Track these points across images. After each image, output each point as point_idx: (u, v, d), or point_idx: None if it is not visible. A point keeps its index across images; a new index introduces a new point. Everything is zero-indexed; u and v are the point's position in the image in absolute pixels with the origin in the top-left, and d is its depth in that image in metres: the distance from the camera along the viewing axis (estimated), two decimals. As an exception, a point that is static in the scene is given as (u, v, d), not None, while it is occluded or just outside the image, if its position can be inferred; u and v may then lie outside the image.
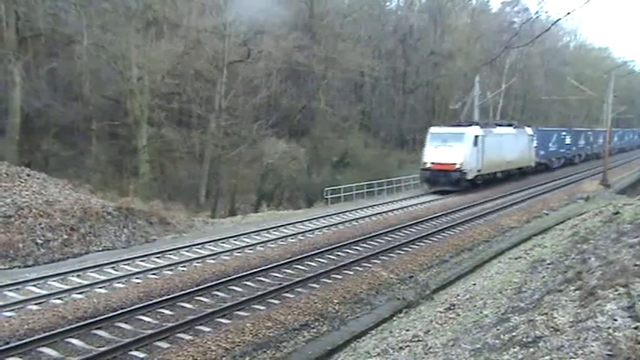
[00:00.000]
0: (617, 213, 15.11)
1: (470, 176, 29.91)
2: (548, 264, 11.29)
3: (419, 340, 8.93)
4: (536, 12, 54.92)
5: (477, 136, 30.18)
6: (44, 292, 12.31)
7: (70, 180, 23.19)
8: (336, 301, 12.54)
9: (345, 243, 17.56)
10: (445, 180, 29.69)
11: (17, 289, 12.53)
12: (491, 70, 54.91)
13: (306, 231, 19.84)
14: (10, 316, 10.78)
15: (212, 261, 15.50)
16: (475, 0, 65.57)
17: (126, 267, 14.69)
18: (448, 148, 29.60)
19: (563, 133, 48.34)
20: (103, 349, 9.47)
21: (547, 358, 5.50)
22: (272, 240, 18.20)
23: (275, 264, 14.91)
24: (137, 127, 30.40)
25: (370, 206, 25.69)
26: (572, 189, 32.23)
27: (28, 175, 20.19)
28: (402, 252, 17.06)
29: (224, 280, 13.35)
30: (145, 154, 30.50)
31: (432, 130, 31.61)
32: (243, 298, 12.14)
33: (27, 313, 10.99)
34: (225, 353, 9.65)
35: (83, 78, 30.39)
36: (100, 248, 17.63)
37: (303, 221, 21.53)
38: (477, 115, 39.08)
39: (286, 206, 33.37)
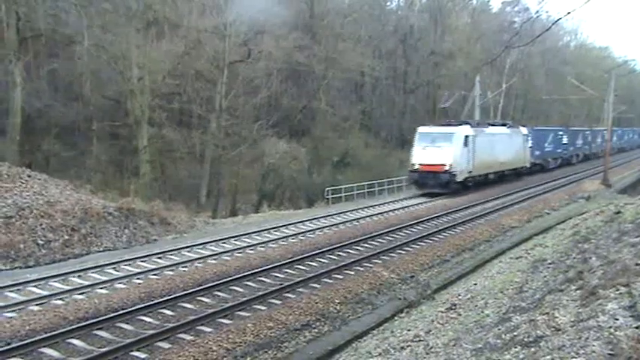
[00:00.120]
0: (618, 212, 15.10)
1: (460, 178, 28.94)
2: (550, 263, 11.28)
3: (420, 340, 8.93)
4: (537, 11, 54.90)
5: (467, 136, 29.26)
6: (45, 293, 12.31)
7: (71, 180, 23.22)
8: (337, 301, 12.55)
9: (346, 243, 17.56)
10: (434, 182, 28.69)
11: (18, 289, 12.54)
12: (492, 69, 54.91)
13: (307, 231, 19.84)
14: (11, 317, 10.78)
15: (213, 261, 15.50)
16: (475, 0, 65.63)
17: (127, 267, 14.69)
18: (437, 148, 28.59)
19: (560, 133, 47.47)
20: (104, 349, 9.47)
21: (548, 357, 5.50)
22: (273, 240, 18.20)
23: (276, 264, 14.91)
24: (138, 127, 30.40)
25: (371, 206, 25.69)
26: (571, 189, 32.11)
27: (29, 176, 20.20)
28: (403, 252, 17.06)
29: (225, 280, 13.35)
30: (145, 154, 30.50)
31: (421, 129, 30.52)
32: (245, 299, 12.14)
33: (28, 313, 11.00)
34: (227, 353, 9.65)
35: (84, 78, 30.41)
36: (101, 249, 17.64)
37: (304, 221, 21.53)
38: (478, 114, 39.04)
39: (287, 206, 33.37)
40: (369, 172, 36.64)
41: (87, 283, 13.20)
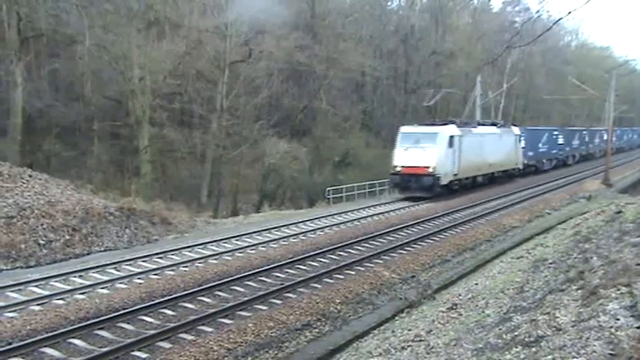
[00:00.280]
0: (619, 212, 15.10)
1: (444, 181, 27.26)
2: (551, 263, 11.28)
3: (421, 340, 8.93)
4: (538, 11, 54.97)
5: (452, 137, 27.56)
6: (46, 293, 12.31)
7: (72, 180, 23.25)
8: (338, 301, 12.54)
9: (347, 243, 17.55)
10: (416, 185, 26.98)
11: (19, 289, 12.54)
12: (493, 69, 54.90)
13: (308, 231, 19.83)
14: (12, 317, 10.79)
15: (214, 261, 15.50)
16: (476, 0, 65.62)
17: (128, 267, 14.69)
18: (420, 149, 26.92)
19: (555, 133, 45.88)
20: (105, 349, 9.48)
21: (549, 357, 5.50)
22: (274, 240, 18.19)
23: (277, 264, 14.90)
24: (139, 127, 30.45)
25: (372, 206, 25.66)
26: (566, 191, 31.95)
27: (30, 176, 20.23)
28: (404, 252, 17.05)
29: (226, 280, 13.35)
30: (146, 154, 30.55)
31: (403, 129, 28.69)
32: (245, 298, 12.14)
33: (29, 313, 11.00)
34: (228, 353, 9.65)
35: (85, 78, 30.45)
36: (102, 249, 17.65)
37: (305, 221, 21.52)
38: (479, 114, 39.00)
39: (288, 206, 33.43)
40: (369, 172, 36.58)
41: (88, 283, 13.20)
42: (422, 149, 26.88)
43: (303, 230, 19.91)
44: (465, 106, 44.43)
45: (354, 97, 49.12)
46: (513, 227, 21.82)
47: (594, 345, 5.41)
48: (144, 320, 10.96)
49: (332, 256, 16.20)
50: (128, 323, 10.74)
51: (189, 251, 16.54)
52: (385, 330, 11.06)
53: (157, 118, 32.06)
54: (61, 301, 11.85)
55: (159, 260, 15.48)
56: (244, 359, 9.63)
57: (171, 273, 14.24)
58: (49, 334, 9.86)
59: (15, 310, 11.20)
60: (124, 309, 11.25)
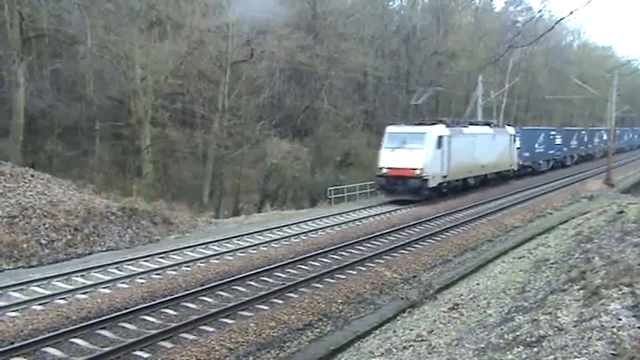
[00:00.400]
0: (621, 212, 15.11)
1: (432, 183, 25.98)
2: (552, 263, 11.27)
3: (423, 340, 8.93)
4: (540, 11, 54.75)
5: (440, 137, 26.35)
6: (48, 293, 12.33)
7: (74, 180, 23.30)
8: (339, 300, 12.54)
9: (349, 243, 17.55)
10: (403, 188, 25.77)
11: (21, 289, 12.56)
12: (495, 69, 54.82)
13: (310, 231, 19.83)
14: (14, 317, 10.80)
15: (216, 261, 15.51)
16: (478, -1, 65.57)
17: (130, 267, 14.71)
18: (407, 151, 25.76)
19: (552, 133, 44.55)
20: (107, 349, 9.49)
21: (551, 357, 5.50)
22: (275, 240, 18.20)
23: (278, 264, 14.91)
24: (140, 127, 30.48)
25: (373, 206, 25.65)
26: (569, 190, 31.93)
27: (32, 176, 20.26)
28: (406, 252, 17.05)
29: (228, 280, 13.35)
30: (148, 154, 30.58)
31: (389, 129, 27.40)
32: (247, 298, 12.14)
33: (31, 313, 11.02)
34: (229, 353, 9.66)
35: (87, 78, 30.51)
36: (104, 248, 17.68)
37: (306, 221, 21.52)
38: (481, 114, 38.97)
39: (290, 206, 33.43)
40: (371, 172, 36.51)
41: (90, 282, 13.22)
42: (409, 150, 25.80)
43: (305, 230, 19.91)
44: (466, 106, 44.41)
45: (355, 97, 49.10)
46: (515, 227, 21.81)
47: (596, 345, 5.41)
48: (145, 320, 10.97)
49: (333, 256, 16.20)
50: (130, 323, 10.75)
51: (191, 251, 16.55)
52: (387, 330, 11.06)
53: (158, 118, 32.09)
54: (62, 301, 11.86)
55: (160, 260, 15.49)
56: (246, 359, 9.64)
57: (173, 273, 14.25)
58: (51, 334, 9.87)
59: (17, 310, 11.21)
60: (126, 309, 11.26)
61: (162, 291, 12.52)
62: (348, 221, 21.85)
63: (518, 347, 6.24)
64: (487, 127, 33.38)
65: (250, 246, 17.28)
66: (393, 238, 18.76)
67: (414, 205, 25.46)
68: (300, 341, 10.54)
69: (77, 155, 30.38)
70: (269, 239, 18.25)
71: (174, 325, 10.53)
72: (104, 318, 10.68)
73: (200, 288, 12.70)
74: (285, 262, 15.09)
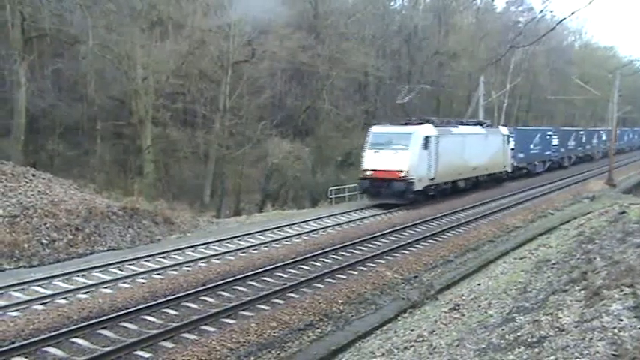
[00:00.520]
0: (622, 213, 15.10)
1: (419, 187, 24.72)
2: (554, 264, 11.26)
3: (424, 340, 8.93)
4: (541, 11, 54.95)
5: (427, 137, 25.15)
6: (49, 292, 12.34)
7: (75, 180, 23.31)
8: (340, 301, 12.54)
9: (350, 243, 17.54)
10: (387, 191, 24.51)
11: (23, 289, 12.57)
12: (496, 69, 54.77)
13: (311, 231, 19.83)
14: (15, 316, 10.81)
15: (217, 261, 15.51)
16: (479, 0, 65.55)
17: (131, 267, 14.71)
18: (391, 152, 24.55)
19: (549, 134, 43.14)
20: (108, 348, 9.49)
21: (552, 358, 5.50)
22: (276, 240, 18.20)
23: (280, 264, 14.90)
24: (142, 127, 30.49)
25: (375, 206, 25.60)
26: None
27: (34, 176, 20.27)
28: (407, 252, 17.04)
29: (229, 280, 13.35)
30: (149, 154, 30.60)
31: (374, 129, 26.23)
32: (248, 298, 12.14)
33: (32, 312, 11.02)
34: (230, 353, 9.66)
35: (88, 78, 30.52)
36: (105, 248, 17.68)
37: (307, 221, 21.51)
38: (482, 114, 38.93)
39: (291, 206, 33.42)
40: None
41: (91, 282, 13.23)
42: (394, 151, 24.58)
43: (306, 230, 19.91)
44: (468, 106, 44.36)
45: (356, 97, 49.12)
46: (516, 227, 21.80)
47: (597, 345, 5.41)
48: (147, 320, 10.97)
49: (334, 256, 16.19)
50: (131, 323, 10.75)
51: (192, 251, 16.55)
52: (388, 330, 11.05)
53: (159, 117, 32.12)
54: (64, 301, 11.87)
55: (162, 260, 15.50)
56: (247, 359, 9.64)
57: (174, 272, 14.26)
58: (52, 334, 9.87)
59: (18, 310, 11.22)
60: (127, 308, 11.26)
61: (163, 291, 12.52)
62: (349, 221, 21.84)
63: (519, 347, 6.24)
64: (478, 127, 32.20)
65: (251, 246, 17.29)
66: (394, 238, 18.75)
67: (414, 206, 25.23)
68: (301, 341, 10.53)
69: (78, 155, 30.42)
70: (270, 239, 18.25)
71: (175, 324, 10.53)
72: (105, 318, 10.68)
73: (201, 288, 12.70)
74: (286, 262, 15.08)
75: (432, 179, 25.80)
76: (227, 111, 34.36)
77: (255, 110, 37.33)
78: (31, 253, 15.91)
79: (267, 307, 11.81)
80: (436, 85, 51.14)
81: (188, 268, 14.69)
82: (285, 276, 14.17)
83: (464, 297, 11.67)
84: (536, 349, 5.93)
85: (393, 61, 51.63)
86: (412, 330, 10.15)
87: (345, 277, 14.22)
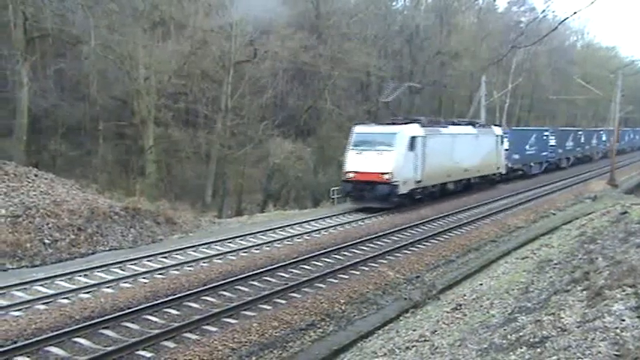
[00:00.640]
0: (625, 213, 15.07)
1: (404, 190, 23.61)
2: (556, 264, 11.25)
3: (425, 340, 8.92)
4: (543, 11, 54.87)
5: (413, 137, 24.05)
6: (52, 292, 12.36)
7: (78, 180, 23.33)
8: (342, 300, 12.54)
9: (352, 243, 17.55)
10: (371, 194, 23.47)
11: (25, 288, 12.59)
12: (498, 69, 54.73)
13: (313, 231, 19.84)
14: (17, 316, 10.84)
15: (219, 261, 15.53)
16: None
17: (133, 267, 14.73)
18: (375, 153, 23.54)
19: (546, 134, 41.80)
20: (110, 348, 9.51)
21: (554, 358, 5.49)
22: (278, 240, 18.21)
23: (281, 264, 14.91)
24: (144, 127, 30.52)
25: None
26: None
27: (36, 176, 20.29)
28: (409, 252, 17.04)
29: (230, 279, 13.36)
30: (151, 154, 30.63)
31: (357, 129, 25.11)
32: (250, 298, 12.15)
33: (34, 312, 11.05)
34: (232, 353, 9.66)
35: (90, 78, 30.54)
36: (107, 248, 17.69)
37: (309, 221, 21.52)
38: (484, 114, 38.88)
39: (292, 206, 33.42)
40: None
41: (93, 282, 13.25)
42: (377, 152, 23.54)
43: (308, 230, 19.92)
44: (470, 106, 44.29)
45: (358, 97, 49.08)
46: (518, 227, 21.78)
47: (599, 346, 5.40)
48: (148, 319, 10.99)
49: (336, 256, 16.20)
50: (133, 322, 10.77)
51: (194, 251, 16.57)
52: (390, 330, 11.05)
53: (162, 117, 32.14)
54: (66, 300, 11.89)
55: (163, 260, 15.52)
56: (249, 359, 9.65)
57: (176, 272, 14.28)
58: (54, 333, 9.89)
59: (20, 309, 11.25)
60: (129, 308, 11.28)
61: (165, 291, 12.54)
62: (351, 221, 21.84)
63: (521, 348, 6.24)
64: (470, 127, 30.93)
65: (253, 246, 17.30)
66: (395, 239, 18.76)
67: (415, 206, 25.10)
68: (302, 341, 10.54)
69: (80, 155, 30.46)
70: (272, 239, 18.26)
71: (177, 324, 10.54)
72: (107, 317, 10.70)
73: (203, 288, 12.71)
74: (288, 262, 15.09)
75: (418, 182, 24.76)
76: (229, 111, 34.38)
77: (257, 110, 37.34)
78: (33, 252, 15.93)
79: (268, 307, 11.82)
80: (438, 85, 51.13)
81: (190, 268, 14.70)
82: (286, 276, 14.18)
83: (466, 297, 11.66)
84: (539, 350, 5.92)
85: (394, 61, 51.57)
86: (414, 330, 10.15)
87: (346, 277, 14.23)
